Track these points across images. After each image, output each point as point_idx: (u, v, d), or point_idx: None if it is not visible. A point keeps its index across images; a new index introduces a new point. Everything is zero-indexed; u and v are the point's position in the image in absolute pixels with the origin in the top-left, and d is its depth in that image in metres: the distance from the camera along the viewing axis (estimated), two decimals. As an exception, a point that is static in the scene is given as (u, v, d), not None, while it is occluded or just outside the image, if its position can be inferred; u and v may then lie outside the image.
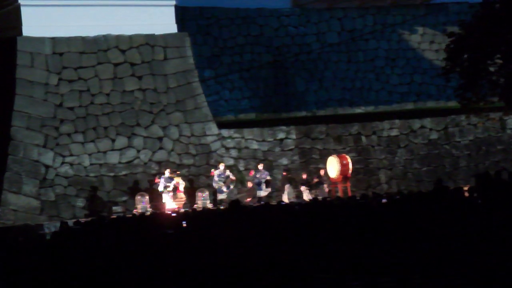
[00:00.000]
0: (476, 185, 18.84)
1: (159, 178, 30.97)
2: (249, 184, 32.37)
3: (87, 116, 31.77)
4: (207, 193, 31.25)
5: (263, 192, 31.94)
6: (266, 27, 39.64)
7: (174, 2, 33.93)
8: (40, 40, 31.40)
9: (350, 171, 32.75)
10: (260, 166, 32.45)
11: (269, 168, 32.91)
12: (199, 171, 32.82)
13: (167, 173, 30.96)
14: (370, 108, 40.09)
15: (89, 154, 31.43)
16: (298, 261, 13.24)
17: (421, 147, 36.27)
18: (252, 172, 32.38)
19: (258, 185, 32.05)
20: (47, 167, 30.67)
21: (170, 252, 14.84)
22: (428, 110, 39.00)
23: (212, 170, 31.87)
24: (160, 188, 30.69)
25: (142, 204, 30.01)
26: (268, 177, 32.21)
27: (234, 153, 33.69)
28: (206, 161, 33.03)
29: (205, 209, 27.67)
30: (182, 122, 33.09)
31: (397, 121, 36.33)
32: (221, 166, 31.80)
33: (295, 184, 33.03)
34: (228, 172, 31.71)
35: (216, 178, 31.49)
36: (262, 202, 29.85)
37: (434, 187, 18.52)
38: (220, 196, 31.37)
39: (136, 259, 14.54)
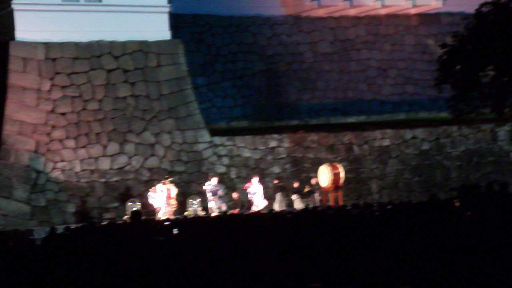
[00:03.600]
0: (459, 197, 19.07)
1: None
2: (234, 195, 32.28)
3: (79, 122, 31.74)
4: (198, 200, 31.21)
5: (259, 205, 31.70)
6: (259, 36, 39.70)
7: (167, 9, 33.97)
8: (33, 45, 31.38)
9: (341, 180, 32.75)
10: (255, 180, 32.20)
11: (260, 176, 32.79)
12: (191, 178, 32.80)
13: (214, 180, 30.98)
14: (362, 118, 40.15)
15: (81, 160, 31.39)
16: (289, 270, 13.25)
17: (412, 157, 36.35)
18: (247, 185, 32.18)
19: (250, 197, 31.93)
20: (38, 172, 30.61)
21: (160, 259, 14.81)
22: (420, 121, 39.08)
23: (206, 183, 31.68)
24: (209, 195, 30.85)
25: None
26: (260, 192, 31.94)
27: (226, 160, 33.68)
28: (197, 169, 33.02)
29: (196, 217, 27.64)
30: (174, 129, 33.08)
31: (389, 131, 36.41)
32: (214, 181, 31.59)
33: (287, 192, 33.01)
34: (219, 187, 31.61)
35: (208, 192, 31.41)
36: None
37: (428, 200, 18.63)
38: (215, 208, 31.24)
39: (126, 266, 14.50)
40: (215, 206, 31.03)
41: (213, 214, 30.59)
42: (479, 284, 11.74)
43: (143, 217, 29.34)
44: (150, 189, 30.93)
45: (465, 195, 17.10)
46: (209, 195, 31.31)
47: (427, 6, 42.23)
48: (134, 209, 23.47)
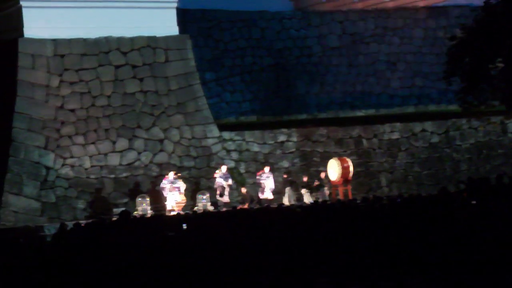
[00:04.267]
0: (467, 189, 19.09)
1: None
2: (243, 190, 32.34)
3: (88, 118, 31.79)
4: (207, 195, 31.24)
5: (266, 195, 31.87)
6: (267, 30, 39.66)
7: (175, 5, 33.94)
8: (42, 41, 31.43)
9: (351, 174, 32.73)
10: (267, 169, 32.41)
11: (269, 170, 32.84)
12: (200, 174, 32.83)
13: (171, 175, 30.96)
14: (371, 111, 40.09)
15: (90, 156, 31.45)
16: (297, 264, 13.25)
17: (422, 150, 36.27)
18: (259, 173, 32.39)
19: (260, 187, 32.12)
20: (48, 168, 30.68)
21: (170, 254, 14.84)
22: (429, 114, 39.00)
23: (217, 171, 31.83)
24: (165, 191, 30.68)
25: (143, 206, 30.01)
26: (270, 181, 32.11)
27: (235, 155, 33.69)
28: (207, 164, 33.04)
29: (205, 212, 27.68)
30: (183, 125, 33.10)
31: (398, 124, 36.34)
32: (223, 169, 31.79)
33: (296, 187, 33.03)
34: (229, 175, 31.75)
35: (218, 181, 31.50)
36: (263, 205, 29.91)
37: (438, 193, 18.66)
38: (223, 200, 31.31)
39: (137, 260, 14.54)
40: (224, 194, 31.13)
41: (222, 200, 30.79)
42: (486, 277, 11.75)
43: (152, 213, 29.50)
44: (164, 177, 30.94)
45: (472, 188, 17.13)
46: (220, 180, 31.32)
47: (436, -1, 42.16)
48: (123, 209, 23.12)
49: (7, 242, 18.63)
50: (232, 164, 33.32)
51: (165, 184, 30.74)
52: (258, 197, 32.04)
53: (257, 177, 32.34)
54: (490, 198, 16.36)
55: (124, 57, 32.75)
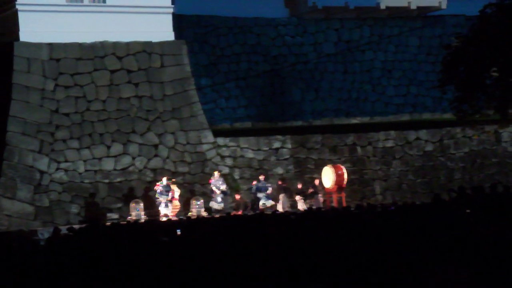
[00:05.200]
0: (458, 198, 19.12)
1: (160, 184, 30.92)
2: (237, 196, 32.32)
3: (83, 122, 31.77)
4: (201, 201, 31.24)
5: (267, 203, 31.89)
6: (263, 36, 39.72)
7: (171, 10, 34.00)
8: (37, 45, 31.42)
9: (345, 182, 32.75)
10: (262, 177, 32.44)
11: (264, 177, 32.85)
12: (194, 179, 32.82)
13: (164, 180, 30.92)
14: (366, 119, 40.15)
15: (84, 161, 31.42)
16: (291, 271, 13.26)
17: (416, 158, 36.33)
18: (254, 183, 32.35)
19: (258, 195, 32.06)
20: (42, 172, 30.64)
21: (164, 260, 14.82)
22: (423, 122, 39.07)
23: (212, 178, 31.84)
24: (158, 195, 30.67)
25: (137, 211, 29.98)
26: (269, 190, 32.15)
27: (229, 161, 33.70)
28: (201, 169, 33.04)
29: (199, 218, 27.64)
30: (178, 130, 33.10)
31: (392, 132, 36.40)
32: (216, 174, 31.80)
33: (290, 193, 33.03)
34: (222, 183, 31.73)
35: (213, 187, 31.50)
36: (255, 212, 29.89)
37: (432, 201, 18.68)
38: (216, 206, 31.32)
39: (129, 266, 14.52)
40: (218, 200, 31.12)
41: (215, 208, 30.76)
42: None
43: (146, 218, 29.45)
44: (157, 183, 30.90)
45: (463, 197, 17.16)
46: (214, 188, 31.37)
47: (431, 8, 42.26)
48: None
49: (0, 247, 18.58)
50: (227, 170, 33.32)
51: (159, 194, 30.64)
52: (253, 201, 32.02)
53: (253, 188, 32.22)
54: (483, 207, 16.41)
55: (119, 62, 32.76)
